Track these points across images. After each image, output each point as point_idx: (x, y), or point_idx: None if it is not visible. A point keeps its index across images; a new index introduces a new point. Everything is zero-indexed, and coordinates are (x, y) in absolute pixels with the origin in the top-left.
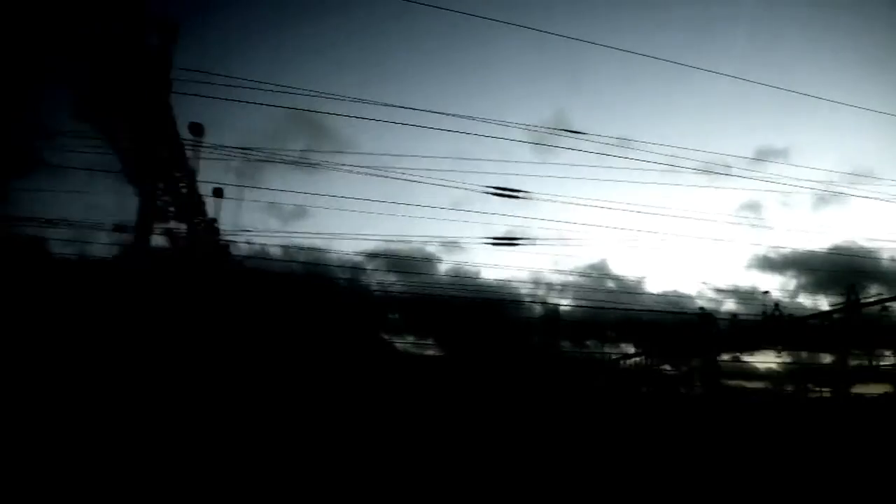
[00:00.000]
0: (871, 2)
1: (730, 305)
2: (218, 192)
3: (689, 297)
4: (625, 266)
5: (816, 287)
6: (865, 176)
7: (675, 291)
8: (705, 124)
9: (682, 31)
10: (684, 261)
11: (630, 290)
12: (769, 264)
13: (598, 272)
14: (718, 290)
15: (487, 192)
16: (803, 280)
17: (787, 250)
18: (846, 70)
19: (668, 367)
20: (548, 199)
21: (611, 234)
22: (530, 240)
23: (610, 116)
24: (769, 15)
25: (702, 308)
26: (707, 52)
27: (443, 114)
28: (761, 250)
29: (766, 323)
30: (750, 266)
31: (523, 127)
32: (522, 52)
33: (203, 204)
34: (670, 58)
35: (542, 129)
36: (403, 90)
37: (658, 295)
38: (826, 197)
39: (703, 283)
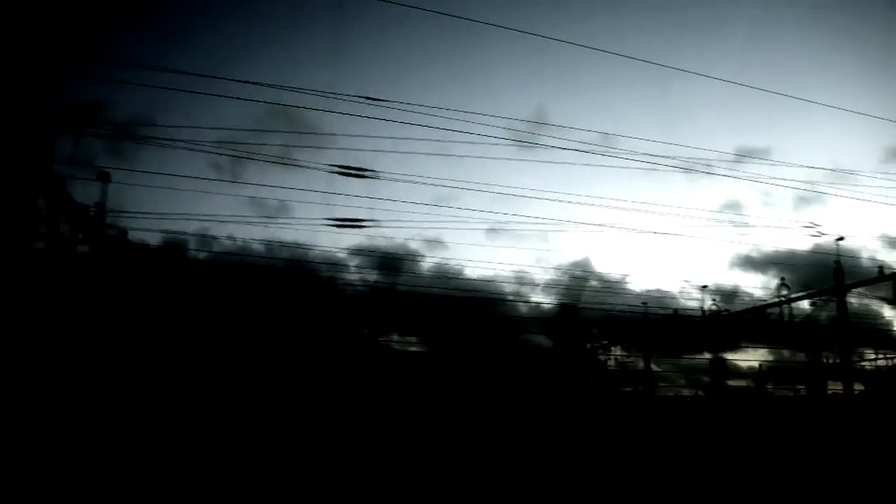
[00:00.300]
0: (855, 4)
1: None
2: (104, 177)
3: (672, 296)
4: (607, 264)
5: (798, 287)
6: (848, 173)
7: (658, 289)
8: (686, 124)
9: (669, 33)
10: (667, 259)
11: (612, 286)
12: (751, 263)
13: (582, 269)
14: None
15: (332, 172)
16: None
17: (768, 249)
18: (829, 71)
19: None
20: (530, 196)
21: (592, 231)
22: (375, 221)
23: (592, 116)
24: (751, 17)
25: None
26: (688, 52)
27: (423, 107)
28: (743, 249)
29: (702, 319)
30: (732, 264)
31: (507, 121)
32: (507, 51)
33: (64, 188)
34: (653, 59)
35: (525, 127)
36: (386, 88)
37: (640, 293)
38: (807, 196)
39: (686, 280)
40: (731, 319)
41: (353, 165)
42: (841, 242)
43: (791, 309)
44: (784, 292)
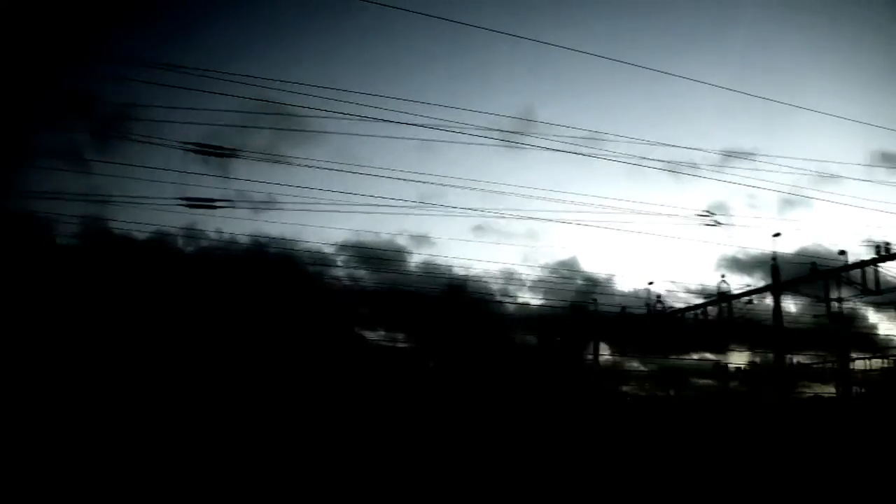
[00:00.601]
0: (839, 7)
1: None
2: None
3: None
4: (595, 263)
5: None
6: (833, 175)
7: (645, 289)
8: (671, 125)
9: (668, 35)
10: (651, 259)
11: (599, 286)
12: (736, 264)
13: (569, 268)
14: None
15: (187, 149)
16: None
17: (753, 251)
18: (818, 74)
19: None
20: (517, 193)
21: (580, 228)
22: (230, 202)
23: (580, 115)
24: (751, 19)
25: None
26: (686, 55)
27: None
28: (729, 250)
29: (647, 317)
30: (719, 266)
31: (496, 120)
32: (497, 51)
33: None
34: (647, 61)
35: (513, 125)
36: (379, 85)
37: (627, 292)
38: (791, 199)
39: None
40: (670, 318)
41: (209, 143)
42: (822, 245)
43: (731, 307)
44: (724, 290)
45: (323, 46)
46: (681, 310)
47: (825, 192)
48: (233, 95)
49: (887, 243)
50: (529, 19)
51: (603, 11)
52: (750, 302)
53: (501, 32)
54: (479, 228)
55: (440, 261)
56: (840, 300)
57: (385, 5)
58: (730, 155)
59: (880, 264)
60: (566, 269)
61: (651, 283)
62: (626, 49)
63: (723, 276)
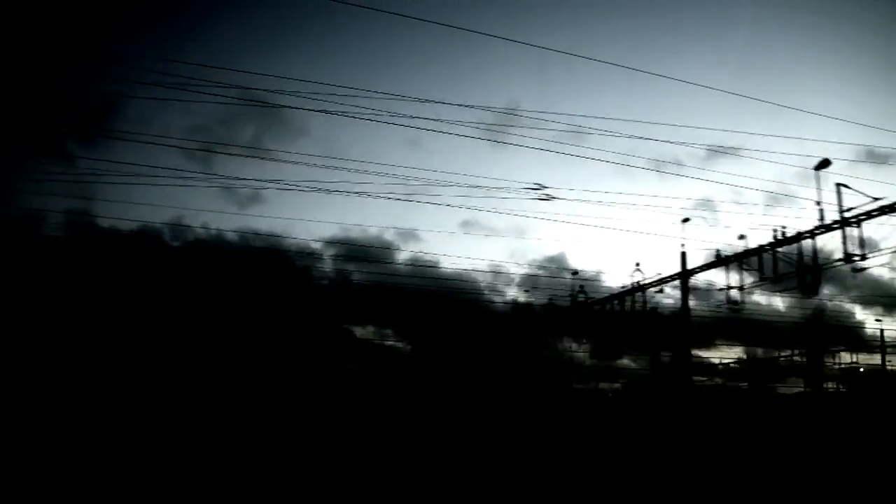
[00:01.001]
0: (839, 7)
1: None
2: None
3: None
4: (583, 259)
5: (772, 286)
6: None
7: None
8: (657, 124)
9: (668, 36)
10: (639, 254)
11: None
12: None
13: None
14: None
15: None
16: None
17: (739, 246)
18: (810, 73)
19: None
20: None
21: (566, 224)
22: None
23: (566, 116)
24: (726, 20)
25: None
26: (662, 53)
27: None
28: (716, 247)
29: (571, 307)
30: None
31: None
32: (488, 50)
33: None
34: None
35: (498, 121)
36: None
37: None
38: (778, 197)
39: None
40: (589, 308)
41: None
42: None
43: (644, 296)
44: (638, 278)
45: (310, 44)
46: (599, 300)
47: (811, 188)
48: (221, 95)
49: (783, 227)
50: (523, 17)
51: (601, 10)
52: (661, 291)
53: (490, 35)
54: (466, 223)
55: (427, 256)
56: (742, 288)
57: (370, 8)
58: (714, 150)
59: (778, 248)
60: (553, 265)
61: (575, 274)
62: (624, 49)
63: (637, 264)
